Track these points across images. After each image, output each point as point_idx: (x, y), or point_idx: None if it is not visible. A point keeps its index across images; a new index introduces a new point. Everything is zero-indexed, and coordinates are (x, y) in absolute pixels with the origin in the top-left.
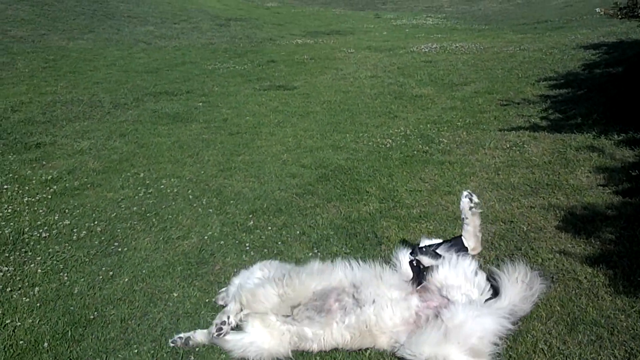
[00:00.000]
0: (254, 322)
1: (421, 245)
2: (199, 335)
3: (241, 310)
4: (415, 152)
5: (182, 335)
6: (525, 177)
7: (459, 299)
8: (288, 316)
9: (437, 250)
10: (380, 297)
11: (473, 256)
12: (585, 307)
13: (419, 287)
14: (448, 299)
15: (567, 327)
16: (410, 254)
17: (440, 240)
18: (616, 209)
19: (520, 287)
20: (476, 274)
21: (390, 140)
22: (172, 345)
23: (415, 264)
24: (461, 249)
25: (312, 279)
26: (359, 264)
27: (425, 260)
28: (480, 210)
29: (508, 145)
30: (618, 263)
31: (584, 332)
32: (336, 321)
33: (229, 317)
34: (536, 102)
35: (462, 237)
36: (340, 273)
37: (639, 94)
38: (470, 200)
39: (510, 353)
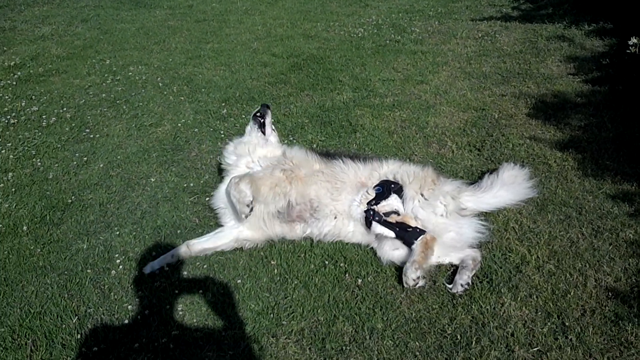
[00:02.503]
0: None
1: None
2: None
3: None
4: (387, 41)
5: None
6: (497, 66)
7: None
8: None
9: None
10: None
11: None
12: (554, 189)
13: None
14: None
15: (537, 207)
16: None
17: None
18: (585, 97)
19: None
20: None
21: (362, 30)
22: None
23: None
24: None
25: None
26: None
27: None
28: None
29: (480, 35)
30: (587, 148)
31: (553, 211)
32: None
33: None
34: None
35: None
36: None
37: None
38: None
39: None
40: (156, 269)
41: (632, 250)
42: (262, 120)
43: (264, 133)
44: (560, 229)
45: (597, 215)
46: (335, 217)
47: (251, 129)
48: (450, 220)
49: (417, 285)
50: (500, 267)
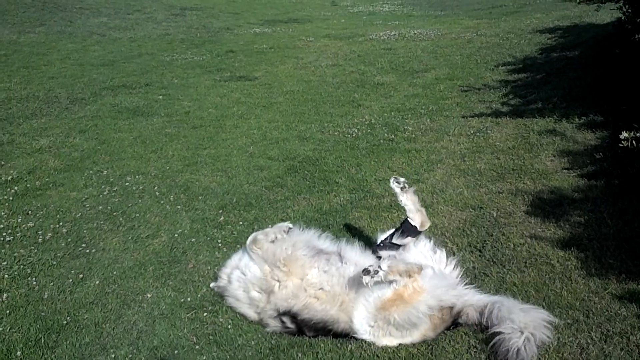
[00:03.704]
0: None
1: (378, 241)
2: None
3: None
4: (381, 140)
5: None
6: (491, 163)
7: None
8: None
9: (393, 241)
10: (360, 264)
11: (429, 238)
12: (559, 291)
13: None
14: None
15: None
16: (372, 252)
17: (392, 230)
18: (582, 192)
19: None
20: (435, 251)
21: (355, 130)
22: None
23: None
24: (410, 229)
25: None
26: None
27: (384, 254)
28: (412, 188)
29: (472, 132)
30: (588, 246)
31: (560, 315)
32: (318, 267)
33: None
34: (496, 87)
35: (407, 218)
36: (333, 243)
37: (597, 77)
38: (398, 182)
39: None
40: None
41: None
42: None
43: None
44: (569, 334)
45: (605, 318)
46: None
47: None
48: None
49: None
50: None
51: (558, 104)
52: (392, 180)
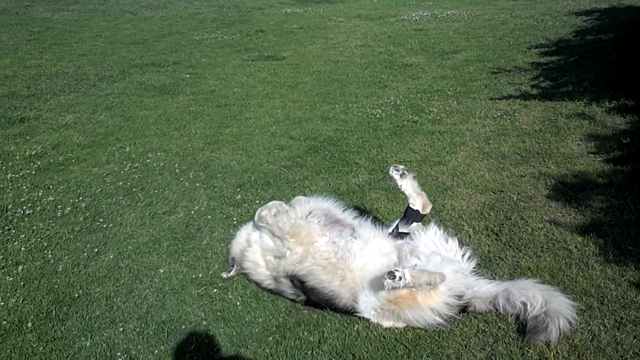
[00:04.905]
0: None
1: (387, 232)
2: None
3: None
4: (405, 122)
5: None
6: (516, 146)
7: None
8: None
9: (400, 230)
10: (372, 243)
11: (440, 226)
12: (575, 277)
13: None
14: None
15: None
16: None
17: (397, 221)
18: (607, 177)
19: None
20: (447, 241)
21: (380, 111)
22: None
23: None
24: (413, 214)
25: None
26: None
27: (396, 243)
28: (411, 174)
29: (499, 114)
30: (608, 232)
31: (574, 301)
32: (329, 236)
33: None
34: (527, 69)
35: (409, 204)
36: (353, 217)
37: (631, 60)
38: (397, 169)
39: (499, 324)
40: None
41: None
42: None
43: None
44: (581, 321)
45: (620, 305)
46: None
47: None
48: None
49: None
50: None
51: (589, 88)
52: (391, 168)
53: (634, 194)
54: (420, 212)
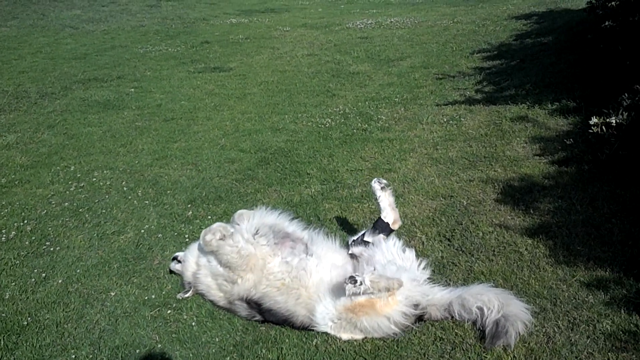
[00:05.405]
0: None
1: (350, 241)
2: None
3: None
4: (354, 130)
5: None
6: (463, 151)
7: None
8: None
9: (365, 239)
10: (326, 258)
11: (399, 237)
12: (527, 279)
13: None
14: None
15: None
16: (348, 247)
17: (364, 231)
18: (552, 179)
19: None
20: (404, 251)
21: (329, 120)
22: None
23: (350, 255)
24: (383, 226)
25: (283, 219)
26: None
27: (357, 250)
28: (390, 189)
29: (445, 120)
30: (557, 233)
31: (528, 304)
32: (281, 256)
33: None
34: (471, 74)
35: (381, 216)
36: (302, 229)
37: (570, 63)
38: (380, 182)
39: (456, 331)
40: None
41: (610, 344)
42: None
43: None
44: (536, 324)
45: (573, 306)
46: None
47: None
48: None
49: None
50: None
51: (531, 91)
52: (374, 180)
53: (579, 194)
54: (390, 225)
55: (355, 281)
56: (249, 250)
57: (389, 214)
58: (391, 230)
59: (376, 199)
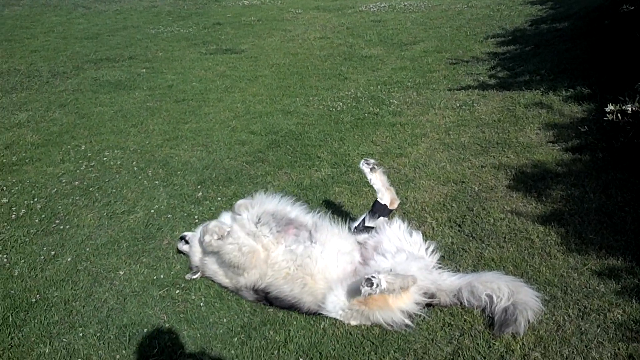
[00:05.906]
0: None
1: (352, 228)
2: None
3: None
4: (366, 114)
5: None
6: (476, 137)
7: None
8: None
9: (366, 224)
10: (331, 243)
11: (404, 220)
12: (538, 267)
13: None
14: (384, 256)
15: None
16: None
17: (364, 215)
18: (566, 166)
19: None
20: (410, 234)
21: (340, 103)
22: None
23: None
24: (381, 208)
25: (285, 204)
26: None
27: (361, 238)
28: (381, 168)
29: (458, 105)
30: (569, 221)
31: (539, 292)
32: (285, 244)
33: None
34: (485, 59)
35: (377, 198)
36: (305, 214)
37: (586, 49)
38: (368, 163)
39: (465, 317)
40: None
41: (620, 333)
42: None
43: None
44: (546, 312)
45: (583, 294)
46: None
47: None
48: None
49: None
50: (484, 357)
51: (546, 76)
52: (362, 162)
53: (593, 182)
54: (388, 206)
55: (372, 284)
56: (250, 245)
57: (385, 195)
58: (390, 211)
59: (368, 180)
